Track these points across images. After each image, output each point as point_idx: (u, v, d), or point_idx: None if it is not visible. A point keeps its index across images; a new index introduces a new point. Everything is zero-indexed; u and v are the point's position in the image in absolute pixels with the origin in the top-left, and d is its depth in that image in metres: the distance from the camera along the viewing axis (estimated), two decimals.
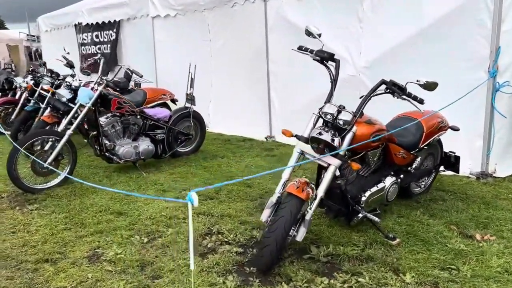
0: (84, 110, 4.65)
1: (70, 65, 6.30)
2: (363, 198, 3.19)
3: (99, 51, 10.29)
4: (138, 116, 5.16)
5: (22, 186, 4.39)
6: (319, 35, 3.12)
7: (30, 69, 8.05)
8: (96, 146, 4.93)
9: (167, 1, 7.90)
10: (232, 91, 7.12)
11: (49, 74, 6.97)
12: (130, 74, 5.30)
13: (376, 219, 3.14)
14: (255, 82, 6.66)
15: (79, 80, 5.92)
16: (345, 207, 3.21)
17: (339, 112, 2.86)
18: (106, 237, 3.39)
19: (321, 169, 3.15)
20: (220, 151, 6.06)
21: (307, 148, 2.97)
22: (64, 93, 5.69)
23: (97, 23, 9.90)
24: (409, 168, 3.64)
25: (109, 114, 4.94)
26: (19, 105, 7.59)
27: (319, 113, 2.95)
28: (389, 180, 3.40)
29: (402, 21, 4.82)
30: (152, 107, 6.33)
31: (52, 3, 14.82)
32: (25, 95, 7.57)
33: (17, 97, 7.87)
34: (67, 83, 5.83)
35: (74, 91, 5.73)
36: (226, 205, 4.00)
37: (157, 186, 4.56)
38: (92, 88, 4.78)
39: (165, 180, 4.77)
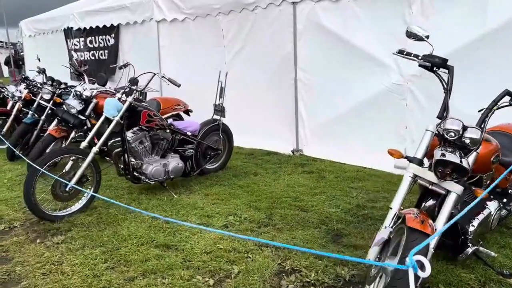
0: (112, 124, 4.05)
1: (80, 72, 5.66)
2: (471, 229, 2.73)
3: (92, 57, 9.59)
4: (168, 130, 4.58)
5: (41, 214, 3.76)
6: (427, 36, 2.67)
7: (23, 76, 7.30)
8: (120, 165, 4.32)
9: (175, 5, 7.34)
10: (251, 101, 6.61)
11: (49, 82, 6.26)
12: (167, 82, 4.71)
13: (492, 253, 2.69)
14: (279, 92, 6.18)
15: (91, 89, 5.29)
16: (452, 240, 2.72)
17: (464, 129, 2.40)
18: (163, 279, 2.82)
19: (426, 194, 2.67)
20: (248, 167, 5.52)
21: (421, 172, 2.49)
22: (74, 104, 5.07)
23: (91, 27, 9.20)
24: (510, 191, 3.21)
25: (136, 128, 4.35)
26: (12, 116, 6.85)
27: (437, 129, 2.49)
28: (493, 206, 2.96)
29: (457, 26, 4.45)
30: (166, 119, 5.80)
31: (34, 7, 13.88)
32: (18, 105, 6.83)
33: (8, 107, 7.10)
34: (77, 92, 5.20)
35: (85, 101, 5.12)
36: (288, 234, 3.48)
37: (198, 211, 3.99)
38: (119, 99, 4.18)
39: (203, 203, 4.20)
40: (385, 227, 2.40)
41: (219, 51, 6.99)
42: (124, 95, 4.26)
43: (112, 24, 8.69)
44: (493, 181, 2.97)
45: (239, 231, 3.55)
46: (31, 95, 6.53)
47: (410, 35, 2.78)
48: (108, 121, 4.09)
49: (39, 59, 6.87)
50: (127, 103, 4.11)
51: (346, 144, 5.53)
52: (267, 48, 6.20)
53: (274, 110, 6.29)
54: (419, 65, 2.70)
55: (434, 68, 2.67)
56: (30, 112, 6.32)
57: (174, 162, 4.54)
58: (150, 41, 8.00)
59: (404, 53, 2.74)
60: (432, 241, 2.31)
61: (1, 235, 3.61)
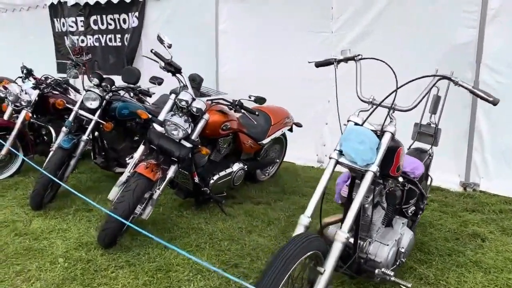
0: (369, 180, 2.01)
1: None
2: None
3: (97, 43, 7.12)
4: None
5: None
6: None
7: (26, 69, 4.80)
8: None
9: None
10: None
11: (94, 81, 3.93)
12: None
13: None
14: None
15: (200, 100, 3.17)
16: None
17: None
18: None
19: None
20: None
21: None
22: (180, 123, 2.98)
23: (97, 2, 6.72)
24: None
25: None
26: (15, 131, 4.43)
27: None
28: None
29: None
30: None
31: None
32: (25, 114, 4.44)
33: (5, 116, 4.62)
34: (183, 102, 3.08)
35: (193, 116, 3.04)
36: None
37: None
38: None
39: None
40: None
41: (322, 39, 4.99)
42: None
43: None
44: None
45: None
46: (64, 102, 4.14)
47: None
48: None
49: (73, 44, 4.45)
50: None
51: None
52: (416, 37, 4.33)
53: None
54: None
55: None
56: (64, 130, 3.97)
57: (407, 235, 2.57)
58: (200, 24, 5.78)
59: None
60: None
61: None
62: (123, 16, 6.67)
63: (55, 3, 7.34)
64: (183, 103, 3.16)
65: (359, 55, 2.43)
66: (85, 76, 4.41)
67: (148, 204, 3.11)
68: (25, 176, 4.67)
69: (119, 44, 6.87)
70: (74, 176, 4.56)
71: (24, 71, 4.87)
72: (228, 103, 3.40)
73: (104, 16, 6.90)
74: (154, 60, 3.47)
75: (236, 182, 3.89)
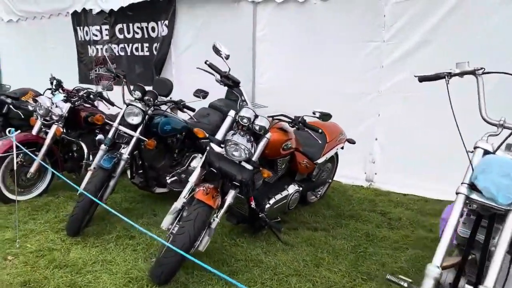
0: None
1: (235, 82, 3.16)
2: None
3: (122, 53, 6.82)
4: None
5: None
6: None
7: (55, 81, 4.48)
8: None
9: None
10: (425, 123, 4.38)
11: (136, 94, 3.60)
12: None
13: None
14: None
15: (263, 117, 2.83)
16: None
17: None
18: None
19: None
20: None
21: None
22: (241, 142, 2.66)
23: (122, 9, 6.41)
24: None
25: None
26: (45, 147, 4.10)
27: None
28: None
29: None
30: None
31: None
32: (56, 129, 4.12)
33: (34, 131, 4.28)
34: (244, 119, 2.75)
35: (255, 135, 2.71)
36: None
37: None
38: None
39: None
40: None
41: (371, 48, 4.64)
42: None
43: (162, 1, 5.97)
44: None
45: None
46: (103, 117, 3.80)
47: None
48: None
49: (109, 54, 4.13)
50: None
51: None
52: (485, 45, 3.96)
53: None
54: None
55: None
56: (102, 147, 3.64)
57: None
58: (235, 32, 5.45)
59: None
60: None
61: None
62: (152, 24, 6.37)
63: (79, 11, 7.05)
64: (245, 120, 2.81)
65: (481, 68, 2.04)
66: (122, 89, 4.06)
67: (205, 234, 2.75)
68: (54, 195, 4.34)
69: (147, 53, 6.56)
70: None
71: (54, 83, 4.55)
72: (290, 120, 3.04)
73: (130, 25, 6.60)
74: (210, 73, 3.13)
75: (291, 205, 3.52)
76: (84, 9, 6.98)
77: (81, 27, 7.27)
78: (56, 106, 4.22)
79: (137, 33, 6.59)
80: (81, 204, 3.24)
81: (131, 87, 3.73)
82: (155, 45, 6.44)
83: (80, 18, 7.19)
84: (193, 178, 2.87)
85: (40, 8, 7.76)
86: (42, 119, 4.26)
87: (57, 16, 7.64)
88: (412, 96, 4.47)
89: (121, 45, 6.83)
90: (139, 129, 3.63)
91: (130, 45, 6.73)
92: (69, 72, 7.47)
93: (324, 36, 4.92)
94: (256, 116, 2.83)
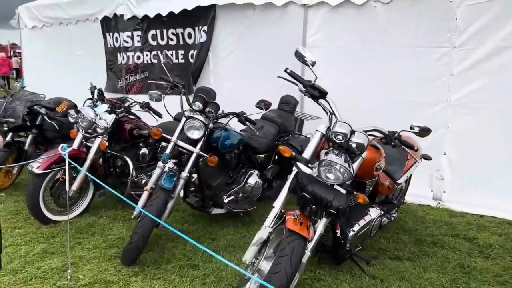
0: None
1: (322, 92, 2.78)
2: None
3: (155, 60, 6.48)
4: None
5: None
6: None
7: (97, 90, 4.13)
8: None
9: None
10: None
11: (198, 107, 3.23)
12: None
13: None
14: None
15: (361, 133, 2.43)
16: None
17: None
18: None
19: None
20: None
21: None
22: (339, 162, 2.27)
23: (158, 15, 6.08)
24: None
25: None
26: (88, 161, 3.75)
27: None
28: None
29: None
30: None
31: None
32: (99, 143, 3.77)
33: (75, 145, 3.92)
34: (339, 136, 2.37)
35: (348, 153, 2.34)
36: None
37: None
38: None
39: None
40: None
41: (439, 55, 4.25)
42: None
43: (198, 6, 5.61)
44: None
45: None
46: (161, 131, 3.43)
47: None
48: None
49: (168, 61, 3.79)
50: None
51: None
52: None
53: None
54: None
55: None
56: (160, 165, 3.25)
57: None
58: (283, 37, 5.09)
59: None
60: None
61: None
62: (188, 30, 6.02)
63: (110, 16, 6.72)
64: (340, 137, 2.42)
65: None
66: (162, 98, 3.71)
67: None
68: (96, 215, 3.98)
69: (182, 61, 6.21)
70: None
71: (96, 92, 4.20)
72: (384, 135, 2.65)
73: (164, 31, 6.26)
74: (292, 82, 2.75)
75: (373, 232, 3.11)
76: (115, 15, 6.65)
77: (111, 34, 6.94)
78: (100, 118, 3.86)
79: (172, 39, 6.25)
80: (142, 230, 2.86)
81: (190, 98, 3.36)
82: (191, 52, 6.09)
83: (110, 24, 6.86)
84: (278, 204, 2.47)
85: (67, 14, 7.44)
86: (83, 131, 3.91)
87: (84, 22, 7.32)
88: (487, 107, 4.08)
89: (154, 52, 6.49)
90: (199, 144, 3.26)
91: (169, 51, 6.38)
92: (96, 80, 7.11)
93: (385, 41, 4.55)
94: (352, 132, 2.43)
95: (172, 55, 6.32)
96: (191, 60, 6.07)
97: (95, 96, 4.22)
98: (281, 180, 4.50)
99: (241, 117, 3.42)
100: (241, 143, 3.72)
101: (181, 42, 6.16)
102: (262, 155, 4.03)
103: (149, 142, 4.37)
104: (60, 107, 4.87)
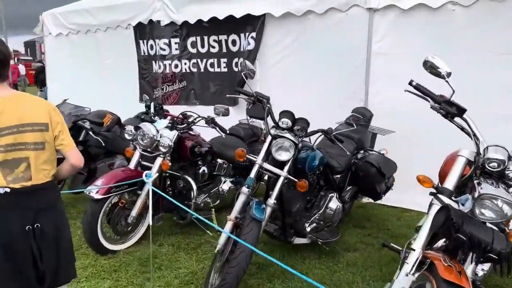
0: None
1: (461, 109, 2.34)
2: None
3: (194, 69, 6.08)
4: None
5: None
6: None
7: (158, 105, 3.71)
8: None
9: None
10: None
11: (287, 125, 2.81)
12: None
13: None
14: None
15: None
16: None
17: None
18: None
19: None
20: None
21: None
22: (503, 196, 1.79)
23: (199, 21, 5.68)
24: None
25: None
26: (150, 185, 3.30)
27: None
28: None
29: None
30: None
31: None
32: (160, 162, 3.36)
33: (132, 165, 3.51)
34: (493, 163, 1.93)
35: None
36: None
37: None
38: None
39: None
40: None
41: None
42: None
43: (248, 15, 5.22)
44: None
45: None
46: (245, 151, 2.99)
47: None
48: None
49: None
50: None
51: None
52: None
53: None
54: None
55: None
56: (244, 191, 2.84)
57: None
58: (344, 44, 4.69)
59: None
60: None
61: None
62: (233, 37, 5.62)
63: (145, 22, 6.33)
64: (494, 164, 1.99)
65: None
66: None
67: None
68: (155, 242, 3.54)
69: (224, 69, 5.81)
70: None
71: (153, 106, 3.79)
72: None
73: (205, 38, 5.86)
74: (420, 97, 2.33)
75: None
76: (151, 21, 6.25)
77: (145, 41, 6.55)
78: (161, 135, 3.45)
79: (213, 47, 5.85)
80: (236, 270, 2.43)
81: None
82: (235, 60, 5.68)
83: (145, 31, 6.47)
84: (418, 245, 2.04)
85: (97, 21, 7.05)
86: (141, 149, 3.50)
87: (114, 29, 6.93)
88: None
89: (193, 60, 6.09)
90: (286, 167, 2.84)
91: (204, 60, 5.99)
92: (127, 90, 6.76)
93: (461, 47, 4.13)
94: (509, 158, 2.00)
95: (213, 63, 5.92)
96: (236, 69, 5.66)
97: (152, 111, 3.80)
98: (352, 202, 4.10)
99: (330, 135, 3.00)
100: (322, 164, 3.30)
101: (224, 50, 5.76)
102: (339, 175, 3.61)
103: (207, 160, 3.97)
104: (105, 121, 4.47)
